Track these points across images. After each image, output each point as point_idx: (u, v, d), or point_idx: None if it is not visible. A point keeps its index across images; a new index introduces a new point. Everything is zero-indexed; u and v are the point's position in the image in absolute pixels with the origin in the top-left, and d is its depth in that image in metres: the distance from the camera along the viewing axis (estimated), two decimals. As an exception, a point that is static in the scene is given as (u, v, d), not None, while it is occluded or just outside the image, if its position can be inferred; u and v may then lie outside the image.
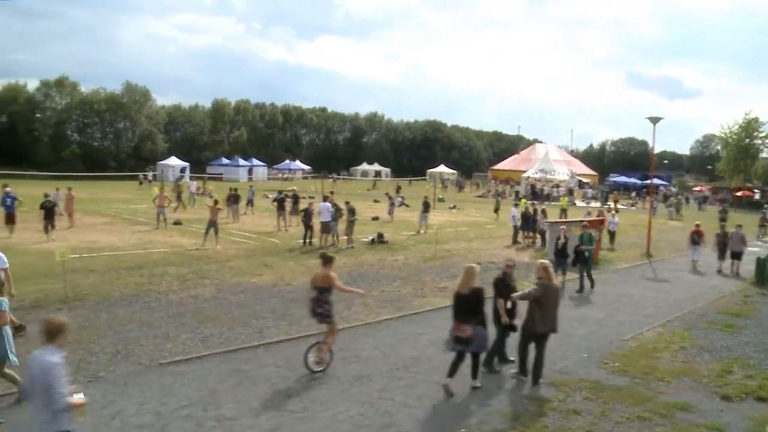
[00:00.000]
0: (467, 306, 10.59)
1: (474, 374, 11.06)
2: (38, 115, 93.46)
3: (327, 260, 11.78)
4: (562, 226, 22.02)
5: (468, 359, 10.95)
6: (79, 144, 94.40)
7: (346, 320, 14.86)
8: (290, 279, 19.49)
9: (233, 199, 35.73)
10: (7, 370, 9.54)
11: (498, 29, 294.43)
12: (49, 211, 26.35)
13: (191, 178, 62.75)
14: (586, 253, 20.23)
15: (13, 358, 9.49)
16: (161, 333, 13.48)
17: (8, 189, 27.65)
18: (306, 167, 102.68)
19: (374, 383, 11.10)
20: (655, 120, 29.44)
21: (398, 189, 65.90)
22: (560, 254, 20.39)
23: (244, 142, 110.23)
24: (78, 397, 6.32)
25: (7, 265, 12.84)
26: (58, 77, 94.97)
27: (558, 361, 12.51)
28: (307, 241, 26.31)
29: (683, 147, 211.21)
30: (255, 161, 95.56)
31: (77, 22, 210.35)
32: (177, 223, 32.46)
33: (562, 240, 20.42)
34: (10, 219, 26.26)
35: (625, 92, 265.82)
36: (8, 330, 9.26)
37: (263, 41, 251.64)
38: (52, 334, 6.40)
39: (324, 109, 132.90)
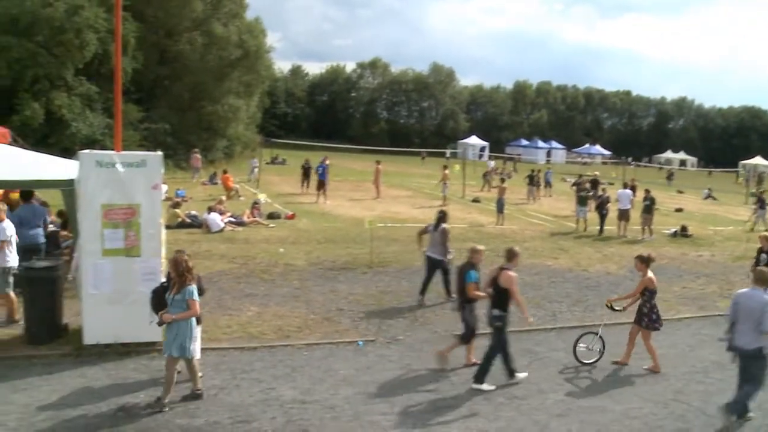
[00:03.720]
0: None
1: None
2: (353, 94, 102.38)
3: (649, 260, 11.26)
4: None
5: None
6: (387, 121, 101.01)
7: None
8: (587, 265, 19.01)
9: (531, 180, 35.78)
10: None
11: None
12: (306, 171, 33.09)
13: (489, 158, 63.77)
14: None
15: (191, 350, 8.85)
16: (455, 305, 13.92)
17: (324, 159, 30.67)
18: (606, 152, 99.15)
19: (669, 383, 10.44)
20: None
21: (670, 175, 61.64)
22: None
23: (544, 124, 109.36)
24: None
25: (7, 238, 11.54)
26: (371, 59, 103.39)
27: None
28: (604, 228, 25.39)
29: None
30: (554, 144, 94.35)
31: (388, 7, 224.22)
32: (475, 200, 33.29)
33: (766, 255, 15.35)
34: (321, 186, 29.86)
35: None
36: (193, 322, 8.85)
37: (564, 22, 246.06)
38: (763, 280, 8.80)
39: (628, 93, 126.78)
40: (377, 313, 13.16)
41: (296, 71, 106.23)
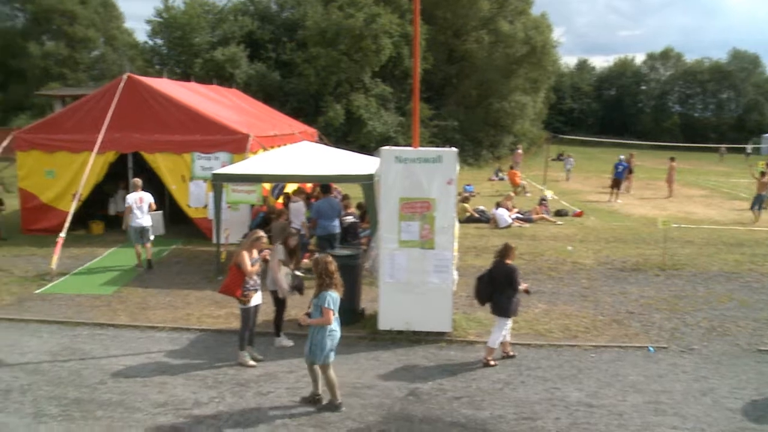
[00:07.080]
0: None
1: None
2: (643, 87, 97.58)
3: None
4: None
5: None
6: (680, 114, 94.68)
7: None
8: None
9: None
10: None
11: None
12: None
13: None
14: None
15: (321, 358, 8.27)
16: (762, 317, 12.68)
17: (622, 158, 29.76)
18: None
19: None
20: None
21: None
22: None
23: None
24: None
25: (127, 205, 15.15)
26: (663, 49, 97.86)
27: None
28: None
29: None
30: None
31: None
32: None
33: None
34: (616, 184, 29.11)
35: None
36: (334, 329, 8.27)
37: None
38: None
39: None
40: (670, 318, 12.42)
41: (582, 65, 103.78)
